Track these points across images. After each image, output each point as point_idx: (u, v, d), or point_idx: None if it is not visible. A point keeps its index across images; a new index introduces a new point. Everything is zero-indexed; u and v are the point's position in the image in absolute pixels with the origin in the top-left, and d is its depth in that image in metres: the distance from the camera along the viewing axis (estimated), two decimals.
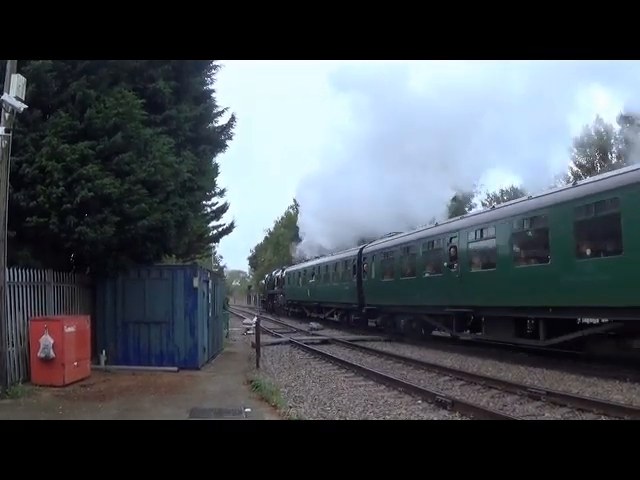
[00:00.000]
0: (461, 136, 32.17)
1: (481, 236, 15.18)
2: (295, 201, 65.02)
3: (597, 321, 11.94)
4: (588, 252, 11.49)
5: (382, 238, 23.88)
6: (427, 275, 17.99)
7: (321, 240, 39.75)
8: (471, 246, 15.59)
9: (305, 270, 34.21)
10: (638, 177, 10.34)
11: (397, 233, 22.61)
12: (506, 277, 13.68)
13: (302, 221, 46.85)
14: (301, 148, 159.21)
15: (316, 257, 34.52)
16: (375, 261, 22.59)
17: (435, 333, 19.61)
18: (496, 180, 47.55)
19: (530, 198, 13.87)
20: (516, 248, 13.92)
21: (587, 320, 12.35)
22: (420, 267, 18.56)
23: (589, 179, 13.58)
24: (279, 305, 42.70)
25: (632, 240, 10.16)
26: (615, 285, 10.39)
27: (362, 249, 24.51)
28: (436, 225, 18.65)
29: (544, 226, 12.76)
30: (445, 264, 16.59)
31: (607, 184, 11.16)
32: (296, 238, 51.89)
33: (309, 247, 44.42)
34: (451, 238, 16.49)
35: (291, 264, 44.21)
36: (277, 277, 44.03)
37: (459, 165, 32.41)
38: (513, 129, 32.65)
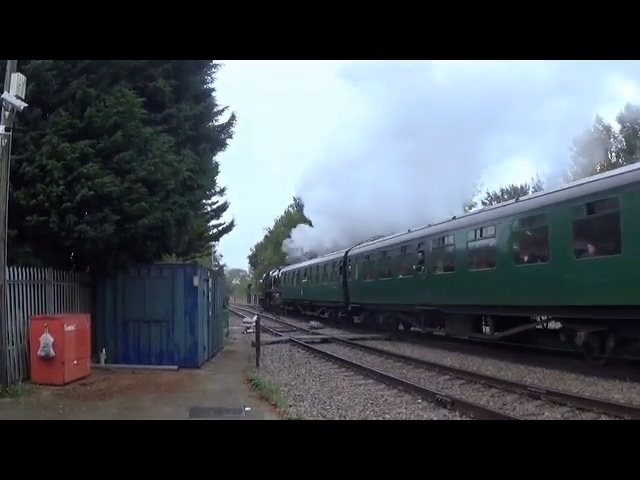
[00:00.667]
0: (483, 125, 31.57)
1: (443, 243, 17.37)
2: (295, 199, 65.33)
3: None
4: (525, 259, 13.48)
5: (366, 242, 25.92)
6: (401, 277, 19.99)
7: (331, 236, 39.26)
8: (435, 251, 17.78)
9: (299, 270, 36.14)
10: (561, 197, 12.34)
11: (380, 237, 24.57)
12: (463, 279, 15.65)
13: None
14: (301, 147, 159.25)
15: (310, 258, 36.61)
16: (358, 263, 24.73)
17: (417, 330, 20.45)
18: (516, 171, 47.52)
19: (481, 212, 16.87)
20: (470, 254, 15.77)
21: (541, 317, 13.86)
22: (395, 269, 20.67)
23: (528, 196, 16.20)
24: (276, 303, 44.21)
25: (556, 250, 12.15)
26: (546, 287, 12.28)
27: (347, 252, 26.50)
28: (409, 232, 20.45)
29: (492, 236, 14.64)
30: (414, 267, 18.73)
31: (539, 202, 13.30)
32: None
33: (296, 247, 47.34)
34: (419, 244, 18.73)
35: (287, 264, 45.93)
36: (274, 277, 45.80)
37: (479, 157, 31.90)
38: (536, 119, 32.31)
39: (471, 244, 15.68)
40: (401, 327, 21.38)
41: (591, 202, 11.36)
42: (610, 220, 10.93)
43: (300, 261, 39.67)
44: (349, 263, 25.89)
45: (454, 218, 18.15)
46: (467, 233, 15.80)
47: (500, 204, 17.28)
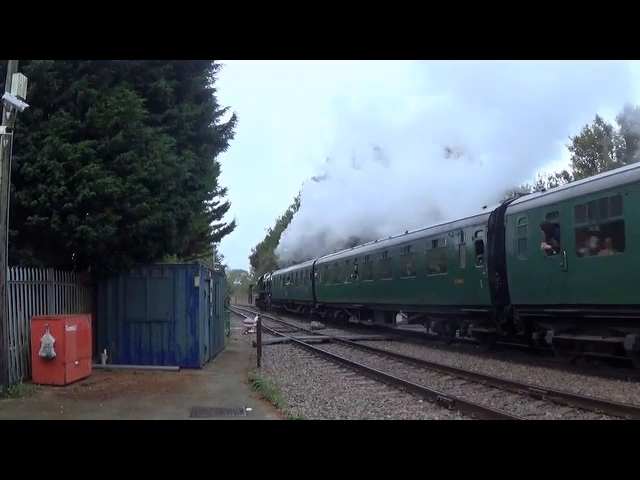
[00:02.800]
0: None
1: (367, 259, 24.53)
2: (296, 200, 65.87)
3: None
4: (409, 272, 19.84)
5: (327, 255, 32.93)
6: (346, 282, 27.01)
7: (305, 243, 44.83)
8: (364, 265, 24.85)
9: (284, 275, 42.85)
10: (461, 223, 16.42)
11: (339, 250, 31.66)
12: (378, 285, 22.53)
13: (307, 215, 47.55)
14: (302, 148, 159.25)
15: (292, 264, 42.71)
16: (322, 271, 31.47)
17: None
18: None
19: (385, 239, 23.06)
20: (377, 268, 23.18)
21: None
22: (342, 277, 27.76)
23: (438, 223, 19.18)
24: (268, 303, 50.15)
25: (396, 269, 20.73)
26: (408, 292, 19.39)
27: (315, 262, 33.20)
28: (352, 248, 28.63)
29: (391, 257, 21.76)
30: (351, 276, 26.19)
31: (437, 230, 18.25)
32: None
33: (282, 251, 54.16)
34: (355, 259, 26.10)
35: (277, 268, 52.33)
36: (267, 280, 52.22)
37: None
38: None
39: (381, 261, 22.81)
40: (354, 320, 26.65)
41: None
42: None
43: (285, 267, 45.85)
44: (316, 270, 32.30)
45: (375, 241, 24.86)
46: (380, 254, 22.93)
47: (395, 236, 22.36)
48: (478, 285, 14.88)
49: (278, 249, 58.64)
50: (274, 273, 48.16)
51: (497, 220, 14.42)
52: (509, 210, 14.05)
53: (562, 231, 11.91)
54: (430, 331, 18.88)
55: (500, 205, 14.89)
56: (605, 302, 10.62)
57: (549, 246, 12.34)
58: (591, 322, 11.15)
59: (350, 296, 25.59)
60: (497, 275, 14.26)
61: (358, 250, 26.24)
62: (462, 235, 16.06)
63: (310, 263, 34.00)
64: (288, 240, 51.91)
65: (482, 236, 15.03)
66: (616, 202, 10.58)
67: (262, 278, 57.45)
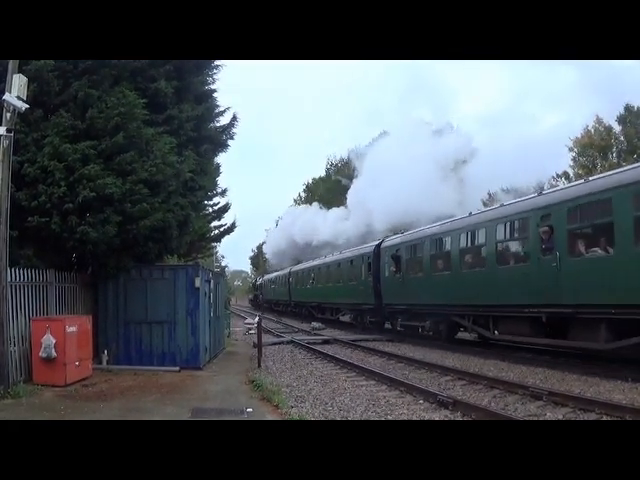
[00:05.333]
0: None
1: (319, 270, 32.37)
2: (295, 201, 66.71)
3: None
4: (339, 281, 27.62)
5: (302, 263, 40.21)
6: (308, 286, 34.01)
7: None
8: (317, 274, 32.68)
9: (271, 279, 50.93)
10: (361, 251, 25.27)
11: (315, 258, 36.93)
12: (326, 289, 29.96)
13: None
14: (303, 148, 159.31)
15: (276, 270, 51.23)
16: (294, 277, 38.59)
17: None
18: None
19: (340, 252, 29.77)
20: (324, 277, 30.95)
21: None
22: (307, 282, 34.54)
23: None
24: (261, 302, 57.22)
25: (343, 279, 27.25)
26: (341, 295, 26.86)
27: (291, 269, 40.55)
28: (313, 260, 35.83)
29: (330, 271, 29.87)
30: (310, 281, 33.71)
31: (354, 253, 26.44)
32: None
33: (273, 254, 63.13)
34: (312, 270, 33.98)
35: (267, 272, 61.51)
36: (259, 283, 61.01)
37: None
38: None
39: (325, 272, 30.95)
40: (318, 315, 32.35)
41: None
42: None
43: (271, 272, 54.99)
44: (291, 276, 39.35)
45: (325, 256, 33.06)
46: (325, 267, 30.93)
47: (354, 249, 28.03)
48: (368, 290, 22.92)
49: (265, 247, 69.13)
50: (264, 277, 57.17)
51: (375, 251, 22.99)
52: (382, 245, 22.69)
53: (402, 261, 20.18)
54: (350, 320, 27.30)
55: (378, 242, 23.48)
56: (423, 302, 18.18)
57: (394, 269, 20.78)
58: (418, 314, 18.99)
59: (311, 297, 33.43)
60: (378, 284, 22.19)
61: (314, 263, 34.46)
62: (362, 258, 24.53)
63: (287, 270, 41.90)
64: (273, 240, 62.80)
65: (370, 260, 23.28)
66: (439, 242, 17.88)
67: (256, 281, 68.12)
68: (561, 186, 16.68)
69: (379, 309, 21.98)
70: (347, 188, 46.87)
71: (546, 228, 12.21)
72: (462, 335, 18.19)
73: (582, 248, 11.51)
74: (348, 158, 51.11)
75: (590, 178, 12.46)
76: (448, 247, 16.78)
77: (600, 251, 11.09)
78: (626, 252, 10.16)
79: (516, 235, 13.96)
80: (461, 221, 16.52)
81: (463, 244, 15.97)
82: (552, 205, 12.23)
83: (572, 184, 14.21)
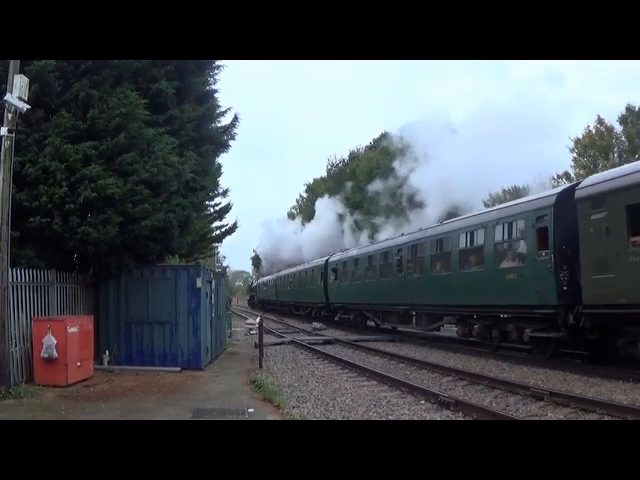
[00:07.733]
0: None
1: (299, 275, 37.95)
2: (297, 202, 67.33)
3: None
4: (304, 286, 35.71)
5: (286, 269, 46.82)
6: (288, 288, 40.98)
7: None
8: (293, 280, 39.71)
9: (263, 281, 59.32)
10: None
11: (299, 264, 43.13)
12: (298, 291, 37.24)
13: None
14: (306, 149, 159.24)
15: (269, 274, 58.83)
16: (281, 280, 45.22)
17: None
18: None
19: (308, 263, 37.52)
20: (296, 282, 38.26)
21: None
22: (287, 285, 41.77)
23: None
24: (256, 302, 63.85)
25: (309, 283, 35.43)
26: (308, 296, 35.03)
27: (277, 274, 48.29)
28: (290, 267, 44.21)
29: (316, 274, 32.76)
30: (289, 285, 40.88)
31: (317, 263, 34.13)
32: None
33: (267, 259, 70.77)
34: (289, 276, 41.34)
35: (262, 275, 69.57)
36: (255, 285, 68.99)
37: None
38: None
39: (298, 278, 38.12)
40: (298, 312, 39.12)
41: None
42: None
43: (265, 275, 62.94)
44: (277, 280, 46.79)
45: (310, 263, 38.12)
46: (301, 273, 37.45)
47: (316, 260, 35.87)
48: (321, 292, 30.83)
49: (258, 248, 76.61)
50: (258, 281, 66.48)
51: (325, 264, 30.96)
52: (329, 260, 30.62)
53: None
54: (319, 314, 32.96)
55: (327, 258, 31.59)
56: (350, 301, 26.79)
57: (334, 278, 28.87)
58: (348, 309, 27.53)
59: (290, 297, 40.82)
60: (326, 288, 30.09)
61: (291, 270, 41.76)
62: (319, 269, 32.04)
63: (274, 276, 49.87)
64: (263, 241, 71.63)
65: (322, 270, 31.18)
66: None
67: (252, 283, 78.12)
68: (406, 232, 23.50)
69: (327, 306, 29.91)
70: (347, 188, 51.75)
71: (399, 257, 20.69)
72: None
73: (412, 270, 20.11)
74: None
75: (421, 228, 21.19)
76: (360, 265, 25.70)
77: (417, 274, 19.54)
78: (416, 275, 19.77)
79: (382, 262, 22.99)
80: (359, 250, 27.21)
81: (360, 264, 25.65)
82: (401, 244, 20.97)
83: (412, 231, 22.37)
